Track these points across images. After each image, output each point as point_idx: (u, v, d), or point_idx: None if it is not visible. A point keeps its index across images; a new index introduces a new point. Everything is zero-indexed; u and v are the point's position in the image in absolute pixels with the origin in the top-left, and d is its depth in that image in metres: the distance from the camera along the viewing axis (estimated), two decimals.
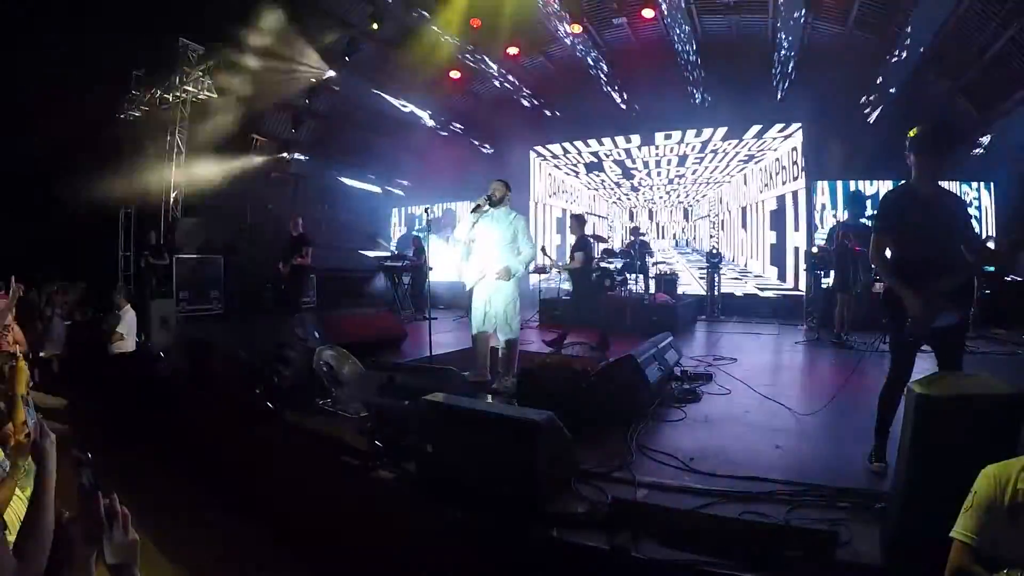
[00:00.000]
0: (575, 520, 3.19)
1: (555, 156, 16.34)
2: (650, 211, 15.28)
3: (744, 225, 14.03)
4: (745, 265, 13.81)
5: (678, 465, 4.00)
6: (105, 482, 1.86)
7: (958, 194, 4.18)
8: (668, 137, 14.58)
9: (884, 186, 11.12)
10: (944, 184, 4.06)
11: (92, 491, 1.79)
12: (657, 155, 14.86)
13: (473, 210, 6.08)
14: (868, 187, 11.89)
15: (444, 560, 3.40)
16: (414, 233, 16.56)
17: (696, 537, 2.86)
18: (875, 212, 4.15)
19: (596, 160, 15.71)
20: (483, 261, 6.10)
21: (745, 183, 13.92)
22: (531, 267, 6.14)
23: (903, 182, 4.03)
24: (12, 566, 1.85)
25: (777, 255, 13.32)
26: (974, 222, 3.96)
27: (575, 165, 16.05)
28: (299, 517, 4.70)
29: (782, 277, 13.21)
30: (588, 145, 15.74)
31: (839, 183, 12.41)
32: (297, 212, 12.30)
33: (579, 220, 9.05)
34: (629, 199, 15.45)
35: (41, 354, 8.44)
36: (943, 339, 3.76)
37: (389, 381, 4.79)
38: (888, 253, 3.87)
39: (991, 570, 1.92)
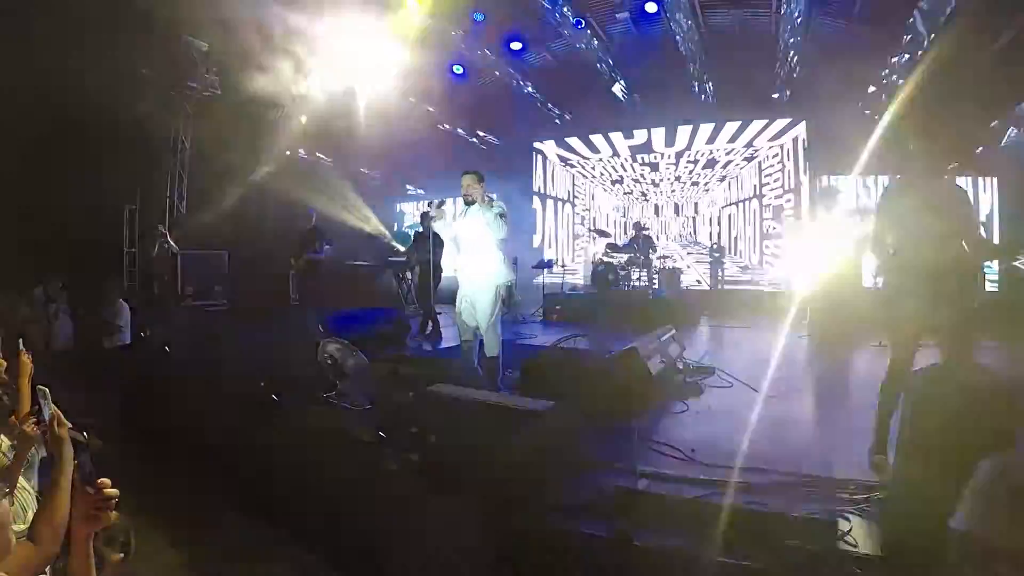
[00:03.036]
0: (577, 508, 3.22)
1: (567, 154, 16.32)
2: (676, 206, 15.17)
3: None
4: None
5: (679, 456, 4.03)
6: (104, 466, 1.90)
7: (962, 188, 4.17)
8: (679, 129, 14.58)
9: (887, 181, 11.11)
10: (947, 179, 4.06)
11: (90, 473, 1.83)
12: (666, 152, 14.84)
13: (429, 217, 6.01)
14: (868, 182, 11.91)
15: (448, 548, 3.42)
16: (417, 230, 16.56)
17: (696, 526, 2.88)
18: (876, 205, 4.16)
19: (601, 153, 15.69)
20: (461, 260, 5.87)
21: (749, 177, 13.90)
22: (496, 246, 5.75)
23: (905, 175, 4.04)
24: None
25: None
26: (977, 217, 3.95)
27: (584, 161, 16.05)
28: (303, 508, 4.74)
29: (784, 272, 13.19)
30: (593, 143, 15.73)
31: (842, 178, 12.37)
32: (308, 205, 12.25)
33: (427, 216, 9.31)
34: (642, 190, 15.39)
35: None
36: (943, 332, 3.76)
37: (393, 373, 4.82)
38: (887, 244, 3.88)
39: (989, 559, 1.94)
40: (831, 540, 2.71)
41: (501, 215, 5.64)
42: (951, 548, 2.04)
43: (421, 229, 9.78)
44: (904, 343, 3.87)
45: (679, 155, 14.68)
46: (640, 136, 14.98)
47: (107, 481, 1.87)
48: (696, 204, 14.73)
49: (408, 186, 18.54)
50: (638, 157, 15.13)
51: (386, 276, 14.20)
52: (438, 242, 8.98)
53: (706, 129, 14.19)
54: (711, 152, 14.28)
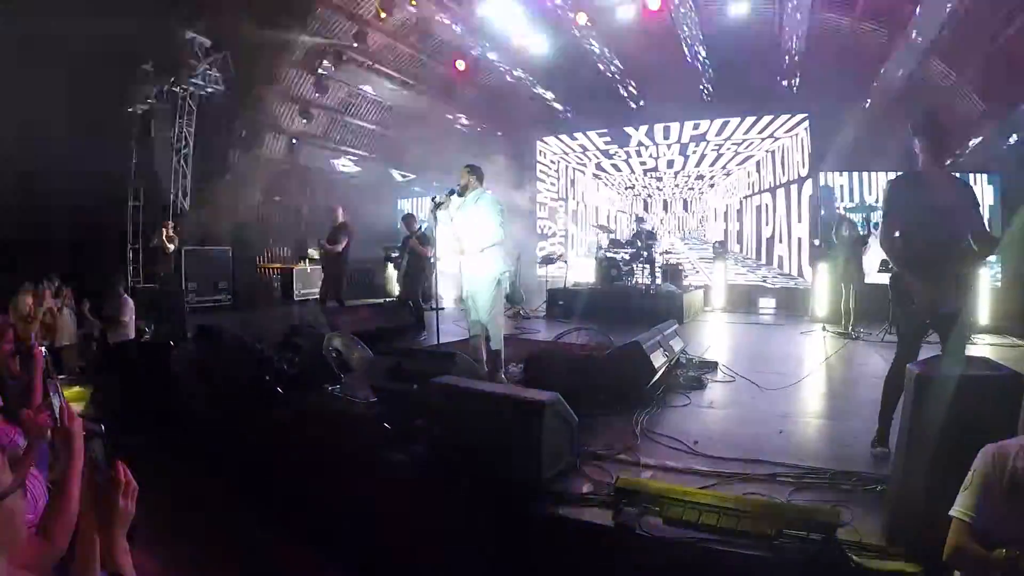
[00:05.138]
0: (580, 499, 3.24)
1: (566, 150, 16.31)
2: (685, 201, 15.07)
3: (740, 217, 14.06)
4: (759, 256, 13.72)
5: (682, 448, 4.05)
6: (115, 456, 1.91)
7: (966, 182, 4.20)
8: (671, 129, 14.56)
9: (890, 177, 11.09)
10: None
11: (103, 462, 1.83)
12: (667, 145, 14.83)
13: (432, 209, 6.00)
14: (873, 178, 11.91)
15: (452, 539, 3.45)
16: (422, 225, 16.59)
17: (699, 515, 2.90)
18: (882, 199, 4.18)
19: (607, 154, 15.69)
20: (459, 255, 5.93)
21: (750, 174, 13.85)
22: (491, 245, 5.78)
23: (910, 169, 4.05)
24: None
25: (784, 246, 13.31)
26: (981, 210, 3.96)
27: (586, 158, 16.03)
28: (309, 501, 4.76)
29: (789, 268, 13.18)
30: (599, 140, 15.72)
31: (845, 174, 12.35)
32: (326, 204, 12.32)
33: (411, 217, 10.13)
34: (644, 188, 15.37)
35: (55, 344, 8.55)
36: (949, 325, 3.78)
37: (397, 366, 4.83)
38: (897, 238, 3.90)
39: (988, 549, 1.95)
40: (833, 530, 2.73)
41: (497, 202, 5.86)
42: (952, 536, 2.05)
43: (407, 232, 9.91)
44: (912, 336, 3.90)
45: (676, 173, 14.74)
46: (644, 132, 14.94)
47: (122, 468, 1.84)
48: (686, 202, 14.77)
49: (396, 171, 18.39)
50: (648, 173, 15.16)
51: (391, 271, 14.26)
52: (425, 240, 9.16)
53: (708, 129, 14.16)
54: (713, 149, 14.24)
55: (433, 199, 6.98)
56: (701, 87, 13.35)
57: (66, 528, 2.01)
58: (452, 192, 5.96)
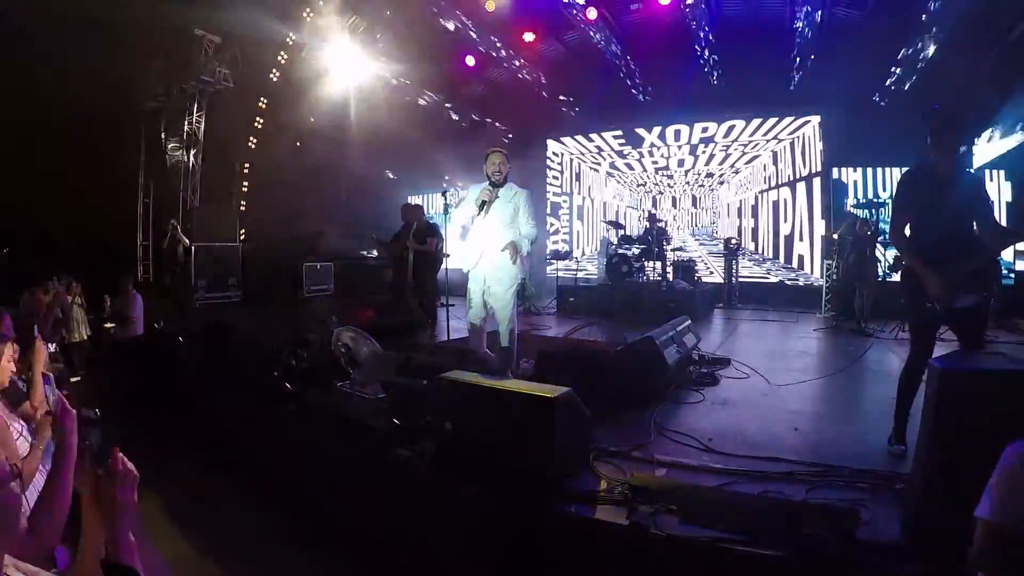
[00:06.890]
0: (593, 497, 3.19)
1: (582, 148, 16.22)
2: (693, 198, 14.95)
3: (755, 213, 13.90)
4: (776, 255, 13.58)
5: (696, 446, 4.00)
6: (116, 444, 1.84)
7: (975, 174, 4.14)
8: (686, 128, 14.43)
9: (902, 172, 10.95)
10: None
11: (99, 452, 1.74)
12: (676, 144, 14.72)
13: (480, 205, 5.43)
14: (886, 174, 11.80)
15: (462, 537, 3.41)
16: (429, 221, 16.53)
17: (715, 514, 2.85)
18: (893, 194, 4.13)
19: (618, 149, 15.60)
20: (482, 242, 5.52)
21: (766, 167, 13.70)
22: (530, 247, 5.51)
23: (921, 163, 3.99)
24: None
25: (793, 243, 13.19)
26: (990, 200, 3.91)
27: (597, 154, 15.94)
28: (317, 497, 4.74)
29: (801, 265, 13.05)
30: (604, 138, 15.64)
31: (858, 170, 12.23)
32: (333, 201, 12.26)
33: (415, 207, 9.79)
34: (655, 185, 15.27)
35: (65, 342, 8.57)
36: (964, 321, 3.72)
37: (407, 361, 4.79)
38: (907, 232, 3.84)
39: (1015, 550, 1.90)
40: (852, 528, 2.68)
41: (531, 201, 5.57)
42: (979, 536, 1.99)
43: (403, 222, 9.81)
44: (925, 331, 3.84)
45: (687, 172, 14.65)
46: (656, 134, 14.86)
47: (120, 457, 1.74)
48: (695, 198, 14.65)
49: (401, 169, 18.35)
50: (659, 171, 15.09)
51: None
52: (431, 232, 9.12)
53: (715, 129, 14.04)
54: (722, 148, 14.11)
55: (443, 193, 6.89)
56: (711, 84, 13.24)
57: (55, 524, 1.95)
58: (495, 186, 5.49)
